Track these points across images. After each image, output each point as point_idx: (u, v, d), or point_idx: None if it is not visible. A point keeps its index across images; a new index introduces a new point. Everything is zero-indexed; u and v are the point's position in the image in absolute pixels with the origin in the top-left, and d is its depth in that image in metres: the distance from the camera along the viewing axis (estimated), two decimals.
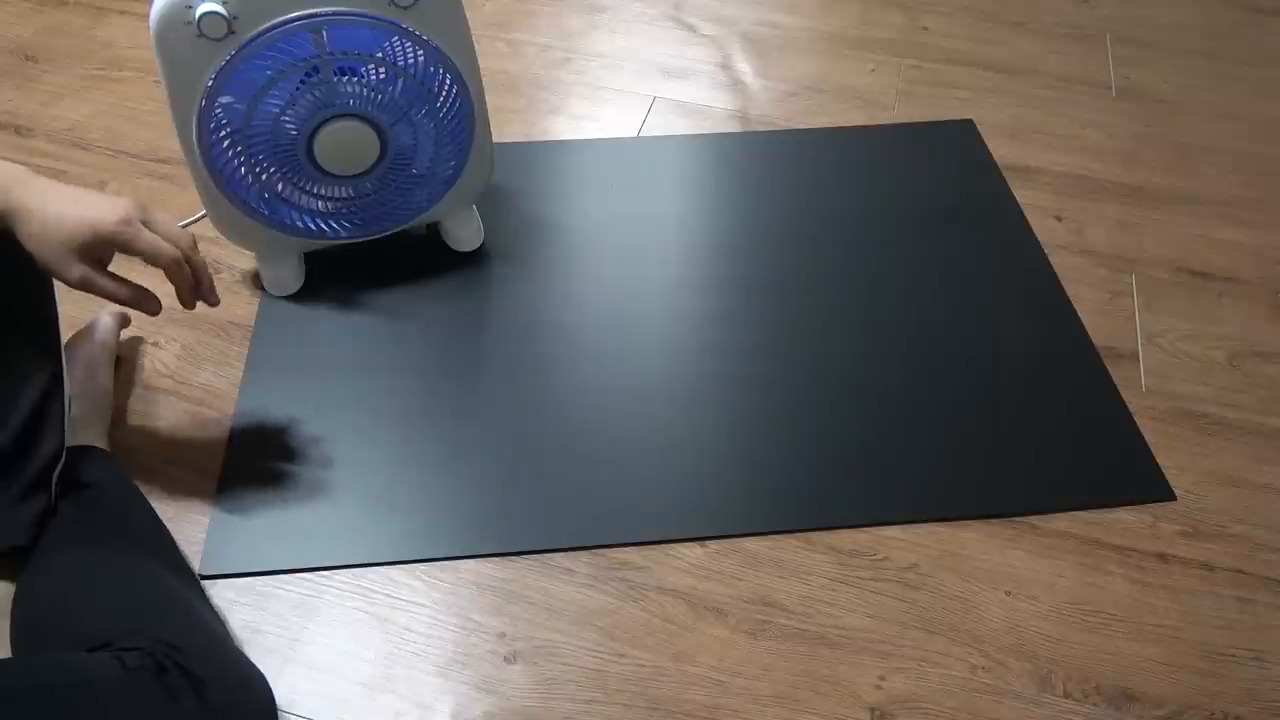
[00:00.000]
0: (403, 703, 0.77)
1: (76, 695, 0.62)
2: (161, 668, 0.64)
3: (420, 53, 0.93)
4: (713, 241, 1.17)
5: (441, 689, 0.77)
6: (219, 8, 0.85)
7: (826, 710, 0.77)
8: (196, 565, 0.83)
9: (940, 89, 1.43)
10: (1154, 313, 1.09)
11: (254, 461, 0.92)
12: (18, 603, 0.74)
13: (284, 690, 0.76)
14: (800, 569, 0.85)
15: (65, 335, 0.89)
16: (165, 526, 0.83)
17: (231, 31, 0.87)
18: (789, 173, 1.27)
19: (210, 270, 1.09)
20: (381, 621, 0.81)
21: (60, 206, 0.73)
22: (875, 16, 1.58)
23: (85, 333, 0.95)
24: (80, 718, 0.61)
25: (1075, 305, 1.09)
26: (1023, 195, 1.24)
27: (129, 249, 0.75)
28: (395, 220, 1.06)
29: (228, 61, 0.88)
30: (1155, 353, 1.05)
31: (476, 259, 1.13)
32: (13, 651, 0.72)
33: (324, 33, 0.89)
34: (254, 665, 0.73)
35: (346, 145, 0.96)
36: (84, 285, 0.75)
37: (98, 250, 0.74)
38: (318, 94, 0.92)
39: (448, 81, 0.96)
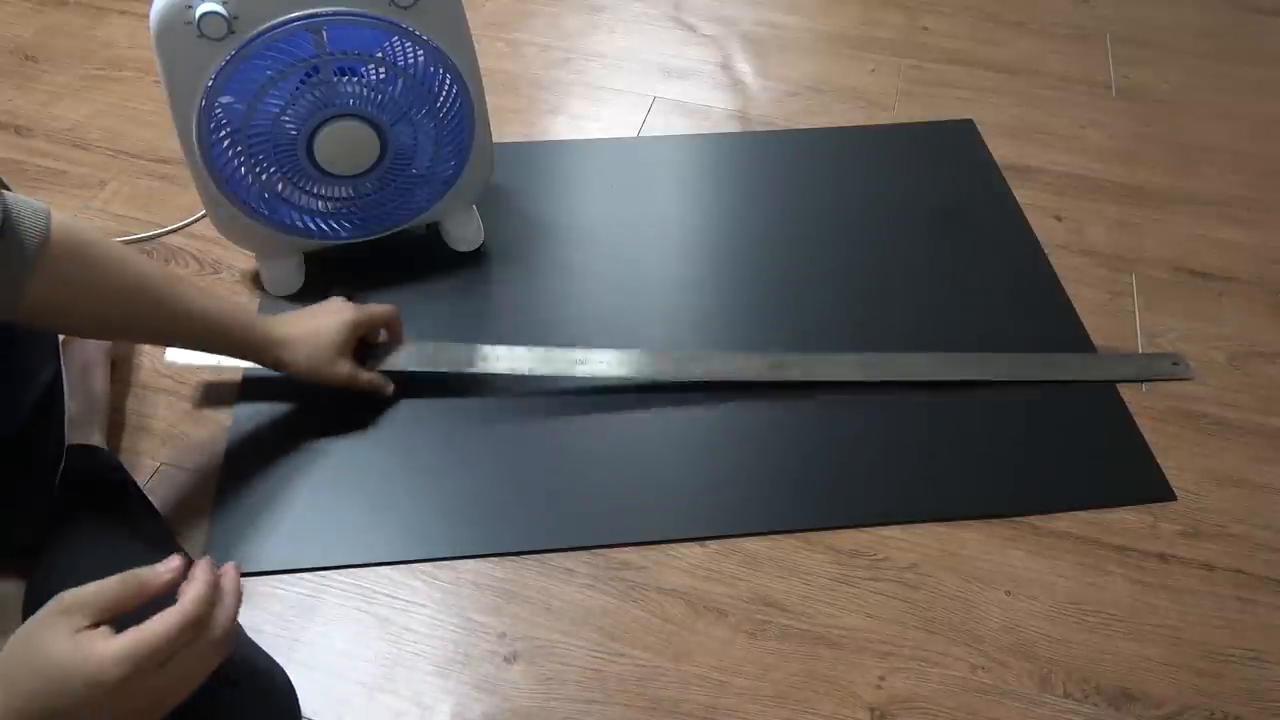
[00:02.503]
0: (403, 703, 0.77)
1: None
2: None
3: (420, 53, 0.93)
4: (713, 241, 1.17)
5: (441, 689, 0.77)
6: (219, 8, 0.85)
7: (826, 710, 0.77)
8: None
9: (940, 89, 1.43)
10: (1154, 313, 1.09)
11: (254, 461, 0.92)
12: (30, 601, 0.74)
13: None
14: (800, 569, 0.86)
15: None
16: (166, 523, 0.83)
17: (231, 31, 0.87)
18: (789, 173, 1.27)
19: (213, 270, 1.10)
20: (381, 621, 0.81)
21: (306, 324, 0.88)
22: (875, 16, 1.58)
23: None
24: None
25: (1075, 305, 1.09)
26: (1023, 195, 1.24)
27: (374, 324, 0.92)
28: (395, 220, 1.06)
29: (228, 61, 0.88)
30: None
31: (476, 259, 1.13)
32: None
33: (324, 33, 0.89)
34: (270, 657, 0.73)
35: (346, 145, 0.96)
36: (352, 378, 0.90)
37: (352, 344, 0.90)
38: (318, 94, 0.92)
39: (448, 81, 0.96)
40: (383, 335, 0.96)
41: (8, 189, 0.70)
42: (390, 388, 0.95)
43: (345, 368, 0.90)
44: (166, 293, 0.76)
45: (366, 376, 0.92)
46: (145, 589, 0.53)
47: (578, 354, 0.97)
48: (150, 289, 0.75)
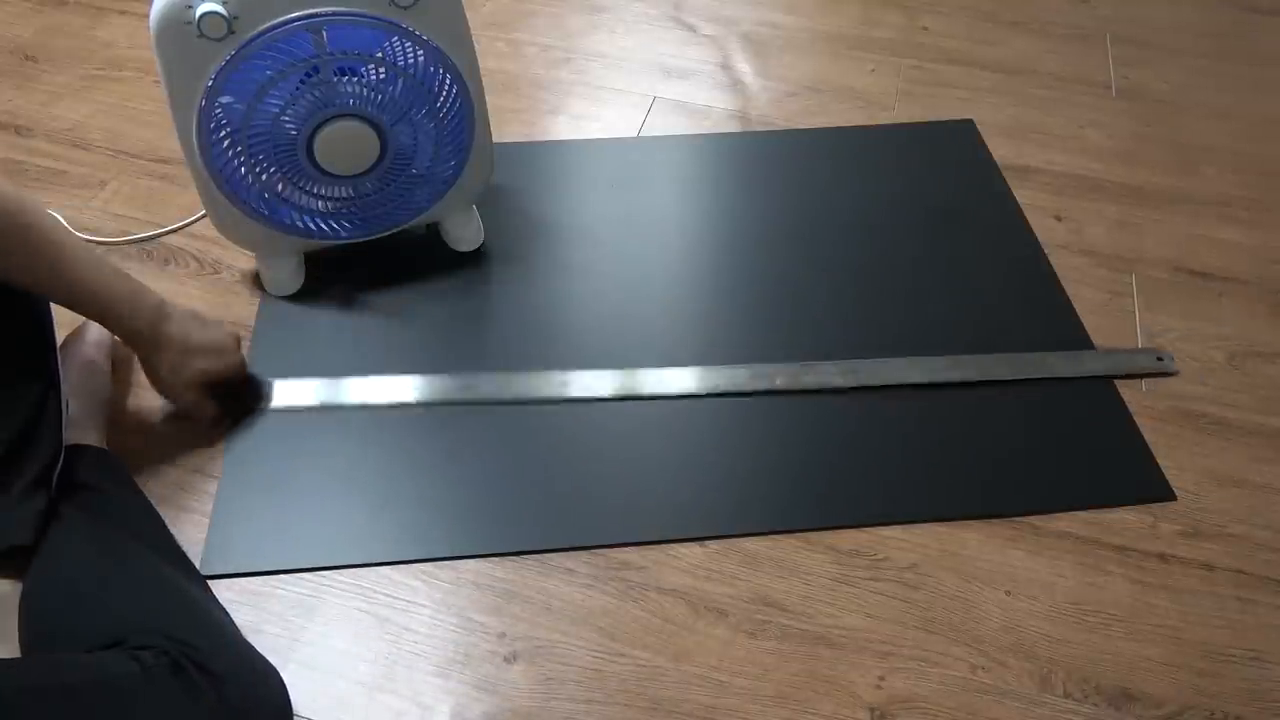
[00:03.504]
0: (403, 703, 0.77)
1: (100, 695, 0.62)
2: (178, 666, 0.64)
3: (420, 53, 0.93)
4: (713, 241, 1.17)
5: (441, 689, 0.77)
6: (219, 8, 0.85)
7: (827, 710, 0.77)
8: (196, 565, 0.83)
9: (940, 89, 1.43)
10: (1154, 313, 1.09)
11: (254, 461, 0.92)
12: (26, 601, 0.74)
13: None
14: (800, 569, 0.86)
15: (60, 335, 0.89)
16: (165, 524, 0.83)
17: (231, 31, 0.87)
18: (789, 173, 1.27)
19: (213, 271, 1.10)
20: (381, 621, 0.81)
21: (188, 346, 0.88)
22: (875, 16, 1.58)
23: (80, 332, 0.95)
24: (105, 717, 0.61)
25: (1075, 305, 1.09)
26: (1022, 195, 1.24)
27: (227, 382, 0.94)
28: (395, 220, 1.06)
29: (228, 61, 0.88)
30: None
31: (476, 259, 1.13)
32: (22, 650, 0.72)
33: (324, 33, 0.89)
34: (266, 659, 0.73)
35: (346, 145, 0.96)
36: (191, 410, 0.92)
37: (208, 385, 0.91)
38: (318, 94, 0.92)
39: (448, 81, 0.96)
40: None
41: None
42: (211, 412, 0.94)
43: (190, 397, 0.91)
44: (61, 257, 0.79)
45: (205, 415, 0.93)
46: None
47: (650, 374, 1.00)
48: (41, 248, 0.78)
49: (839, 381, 0.99)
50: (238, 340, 0.95)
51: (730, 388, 0.99)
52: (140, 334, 0.85)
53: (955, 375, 1.00)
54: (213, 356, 0.91)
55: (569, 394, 0.97)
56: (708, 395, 0.98)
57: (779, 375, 1.00)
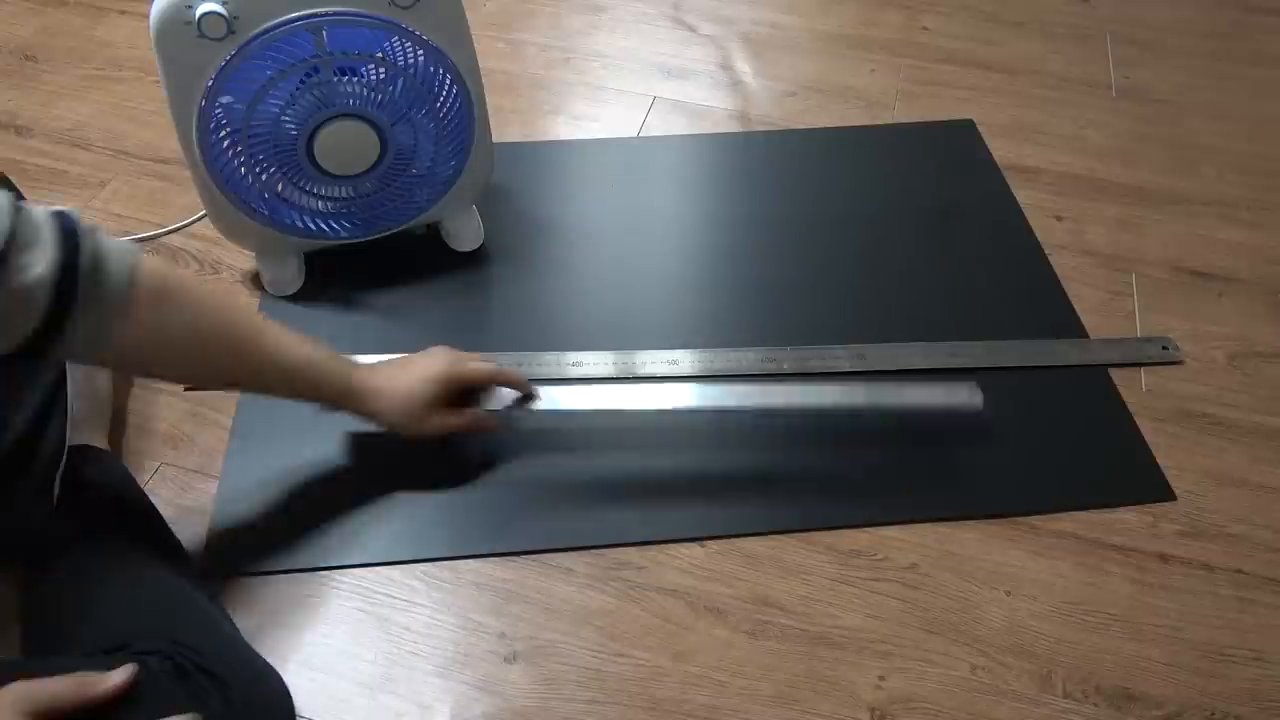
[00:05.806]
0: (403, 703, 0.77)
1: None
2: (183, 670, 0.64)
3: (420, 53, 0.93)
4: (712, 241, 1.17)
5: (441, 689, 0.77)
6: (219, 8, 0.85)
7: (826, 710, 0.77)
8: (197, 565, 0.83)
9: (940, 89, 1.43)
10: (1154, 313, 1.09)
11: (254, 461, 0.92)
12: (28, 606, 0.74)
13: None
14: (800, 569, 0.86)
15: None
16: (168, 525, 0.83)
17: (231, 31, 0.87)
18: (789, 173, 1.27)
19: (213, 271, 1.10)
20: (381, 621, 0.81)
21: (400, 379, 0.83)
22: (875, 16, 1.58)
23: None
24: None
25: (1075, 305, 1.09)
26: (1023, 195, 1.24)
27: (468, 379, 0.86)
28: (395, 220, 1.06)
29: (228, 61, 0.88)
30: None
31: (476, 259, 1.13)
32: (25, 655, 0.72)
33: (324, 33, 0.89)
34: (267, 662, 0.73)
35: (346, 145, 0.96)
36: (445, 430, 0.85)
37: (444, 398, 0.84)
38: (318, 94, 0.92)
39: (448, 81, 0.96)
40: (505, 392, 0.89)
41: (21, 195, 0.70)
42: (494, 424, 0.89)
43: (436, 421, 0.84)
44: (258, 342, 0.74)
45: (461, 421, 0.86)
46: (90, 696, 0.58)
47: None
48: (241, 338, 0.73)
49: (845, 366, 1.01)
50: (449, 356, 0.86)
51: (735, 370, 1.00)
52: (353, 402, 0.82)
53: (961, 361, 1.01)
54: (433, 384, 0.83)
55: (569, 374, 0.99)
56: (711, 377, 0.98)
57: (785, 360, 1.01)
